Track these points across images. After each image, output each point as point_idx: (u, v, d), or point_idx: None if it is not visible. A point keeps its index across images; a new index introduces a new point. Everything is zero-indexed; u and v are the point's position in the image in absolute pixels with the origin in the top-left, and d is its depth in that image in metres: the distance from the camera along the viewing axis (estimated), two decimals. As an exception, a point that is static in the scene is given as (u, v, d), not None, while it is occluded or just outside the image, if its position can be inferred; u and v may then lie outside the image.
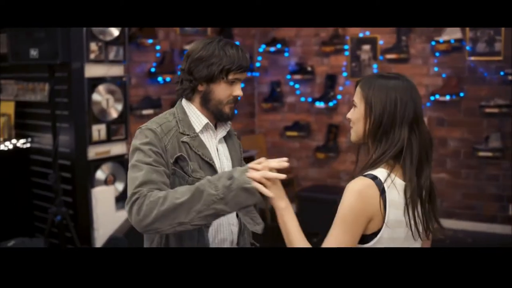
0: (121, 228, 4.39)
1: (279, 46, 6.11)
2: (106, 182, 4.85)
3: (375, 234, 1.65)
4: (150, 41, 5.06)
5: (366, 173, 1.67)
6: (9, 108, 4.99)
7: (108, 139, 4.83)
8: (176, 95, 2.00)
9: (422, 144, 1.70)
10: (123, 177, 4.98)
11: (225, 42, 1.90)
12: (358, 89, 1.77)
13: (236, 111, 2.03)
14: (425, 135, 1.72)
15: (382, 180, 1.64)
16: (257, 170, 1.70)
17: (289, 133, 6.21)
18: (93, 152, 4.72)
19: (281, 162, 1.71)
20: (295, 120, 6.20)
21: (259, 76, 6.41)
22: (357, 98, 1.76)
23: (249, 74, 6.19)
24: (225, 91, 1.91)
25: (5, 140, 4.82)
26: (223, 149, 2.04)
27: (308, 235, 5.00)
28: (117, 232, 4.32)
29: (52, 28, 3.75)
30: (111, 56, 4.76)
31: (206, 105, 1.93)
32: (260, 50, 6.30)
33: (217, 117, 1.97)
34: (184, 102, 1.98)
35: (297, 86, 6.19)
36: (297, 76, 6.07)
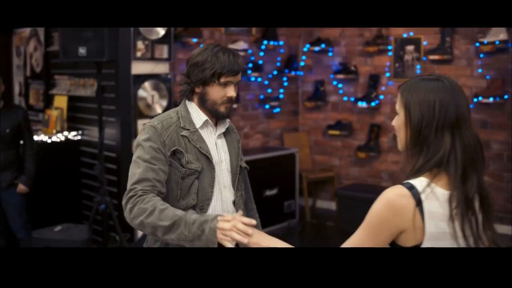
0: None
1: (323, 45, 6.18)
2: (149, 174, 5.07)
3: (417, 247, 1.58)
4: (195, 40, 5.24)
5: (404, 182, 1.60)
6: (62, 102, 5.31)
7: (153, 134, 5.05)
8: (179, 96, 2.16)
9: (468, 148, 1.58)
10: (166, 170, 5.19)
11: (218, 49, 2.08)
12: (399, 94, 1.70)
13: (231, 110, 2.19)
14: (471, 139, 1.60)
15: (420, 190, 1.55)
16: (228, 221, 1.84)
17: (331, 132, 6.28)
18: (138, 146, 4.95)
19: (250, 221, 1.83)
20: (337, 119, 6.26)
21: (303, 75, 6.50)
22: (398, 105, 1.69)
23: (293, 73, 6.29)
24: (219, 93, 2.08)
25: (57, 132, 5.13)
26: (222, 144, 2.19)
27: (346, 233, 5.14)
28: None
29: (100, 28, 3.99)
30: (157, 54, 4.98)
31: (203, 105, 2.11)
32: (305, 49, 6.39)
33: (214, 116, 2.11)
34: (186, 102, 2.16)
35: (340, 85, 6.24)
36: (341, 76, 6.12)
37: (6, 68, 6.37)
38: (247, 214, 2.35)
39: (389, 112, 5.91)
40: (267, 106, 6.13)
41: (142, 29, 4.80)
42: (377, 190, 5.88)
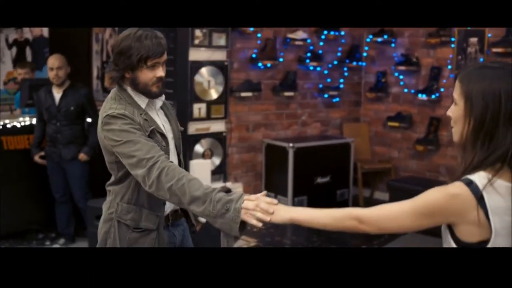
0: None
1: (386, 36, 6.16)
2: (203, 155, 5.37)
3: (484, 243, 1.50)
4: (252, 29, 5.44)
5: (463, 178, 1.53)
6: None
7: (208, 117, 5.33)
8: (110, 82, 2.31)
9: None
10: (220, 152, 5.46)
11: (140, 33, 2.17)
12: (457, 83, 1.59)
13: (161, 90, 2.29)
14: None
15: (480, 187, 1.48)
16: (252, 200, 1.93)
17: (390, 123, 6.25)
18: (193, 128, 5.26)
19: (272, 200, 1.93)
20: (398, 110, 6.22)
21: (366, 65, 6.51)
22: (457, 94, 1.58)
23: (354, 64, 6.33)
24: (148, 75, 2.19)
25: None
26: (162, 115, 2.36)
27: None
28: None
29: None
30: (215, 42, 5.24)
31: (136, 88, 2.23)
32: (368, 40, 6.40)
33: (148, 96, 2.26)
34: (118, 89, 2.27)
35: (401, 77, 6.19)
36: (402, 67, 6.08)
37: (87, 54, 6.92)
38: None
39: (450, 105, 5.76)
40: (325, 96, 6.22)
41: (200, 18, 5.06)
42: (430, 184, 5.84)
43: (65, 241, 4.91)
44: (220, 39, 5.24)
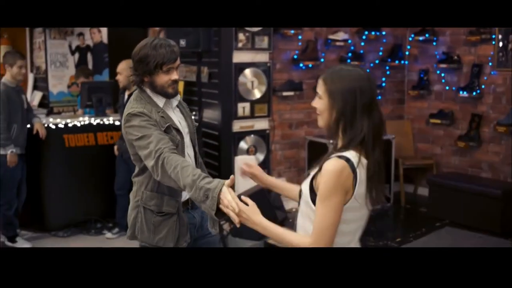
0: (247, 191, 5.17)
1: (427, 35, 6.27)
2: (248, 152, 5.67)
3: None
4: (292, 31, 5.70)
5: (340, 155, 1.91)
6: (179, 86, 6.11)
7: (252, 115, 5.64)
8: (132, 85, 2.71)
9: (377, 126, 1.92)
10: (264, 149, 5.76)
11: (156, 43, 2.51)
12: (321, 82, 1.99)
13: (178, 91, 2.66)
14: (379, 118, 1.94)
15: (355, 164, 1.89)
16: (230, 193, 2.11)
17: (432, 121, 6.35)
18: (237, 126, 5.57)
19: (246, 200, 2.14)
20: (440, 108, 6.32)
21: (409, 64, 6.63)
22: (321, 91, 1.98)
23: (397, 62, 6.46)
24: (164, 78, 2.54)
25: (173, 112, 5.93)
26: (178, 113, 2.70)
27: (434, 219, 5.49)
28: (243, 194, 5.11)
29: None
30: (258, 44, 5.54)
31: (154, 90, 2.57)
32: (410, 39, 6.52)
33: (164, 97, 2.60)
34: (139, 91, 2.62)
35: (443, 74, 6.28)
36: (444, 65, 6.17)
37: (144, 57, 7.37)
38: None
39: (492, 102, 5.85)
40: (367, 94, 6.38)
41: (243, 22, 5.38)
42: (470, 180, 5.95)
43: (119, 230, 5.34)
44: (262, 42, 5.53)
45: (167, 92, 2.59)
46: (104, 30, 7.18)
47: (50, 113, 6.43)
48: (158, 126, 2.50)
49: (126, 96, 5.13)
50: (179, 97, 2.72)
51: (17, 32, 7.12)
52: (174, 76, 2.56)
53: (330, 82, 1.96)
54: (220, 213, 2.16)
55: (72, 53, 7.07)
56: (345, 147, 1.94)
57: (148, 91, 2.61)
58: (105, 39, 7.22)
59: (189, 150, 2.68)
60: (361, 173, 1.92)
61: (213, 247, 2.79)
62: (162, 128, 2.52)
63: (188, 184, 2.22)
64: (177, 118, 2.67)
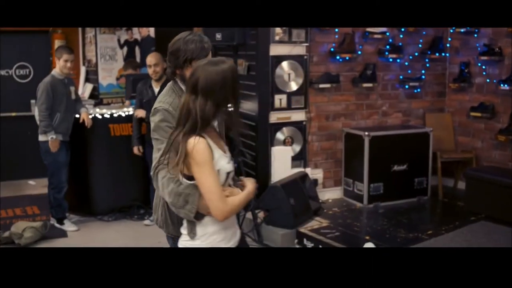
0: (281, 180, 5.32)
1: (468, 27, 6.21)
2: (284, 142, 5.81)
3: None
4: (329, 24, 5.79)
5: (196, 135, 2.29)
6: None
7: (288, 107, 5.77)
8: (167, 78, 2.77)
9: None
10: (300, 140, 5.88)
11: (188, 38, 2.61)
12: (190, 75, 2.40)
13: None
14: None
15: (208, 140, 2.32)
16: None
17: (473, 114, 6.29)
18: (274, 117, 5.72)
19: None
20: (481, 101, 6.25)
21: (450, 56, 6.58)
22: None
23: (437, 55, 6.43)
24: None
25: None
26: None
27: (470, 213, 5.56)
28: (277, 183, 5.26)
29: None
30: (295, 37, 5.66)
31: (185, 83, 2.62)
32: (451, 31, 6.47)
33: None
34: (172, 82, 2.72)
35: (484, 67, 6.21)
36: (485, 57, 6.10)
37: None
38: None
39: (533, 95, 5.75)
40: (406, 87, 6.40)
41: (280, 16, 5.51)
42: (508, 174, 5.87)
43: (157, 216, 5.60)
44: (299, 35, 5.65)
45: None
46: (152, 25, 7.47)
47: (99, 104, 6.78)
48: None
49: (155, 88, 5.36)
50: None
51: (70, 28, 7.49)
52: None
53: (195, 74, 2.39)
54: (199, 215, 2.35)
55: (121, 47, 7.40)
56: (201, 129, 2.36)
57: (180, 83, 2.72)
58: (152, 33, 7.51)
59: None
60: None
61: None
62: None
63: (168, 192, 2.42)
64: None
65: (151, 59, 5.41)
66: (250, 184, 2.47)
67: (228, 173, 2.41)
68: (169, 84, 2.79)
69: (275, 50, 5.59)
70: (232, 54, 5.16)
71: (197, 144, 2.27)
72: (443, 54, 6.50)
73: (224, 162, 2.40)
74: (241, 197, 2.39)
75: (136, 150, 5.58)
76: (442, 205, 6.02)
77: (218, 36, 4.90)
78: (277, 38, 5.57)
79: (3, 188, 6.89)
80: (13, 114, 7.41)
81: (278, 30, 5.55)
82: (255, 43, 5.51)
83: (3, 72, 7.47)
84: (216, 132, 2.49)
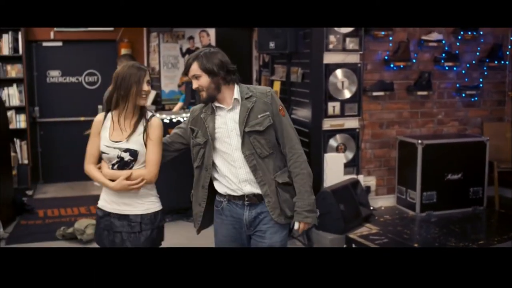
0: (332, 186, 5.41)
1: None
2: (337, 149, 5.89)
3: None
4: (383, 33, 5.82)
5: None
6: (277, 86, 6.47)
7: (342, 114, 5.85)
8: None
9: None
10: (353, 147, 5.95)
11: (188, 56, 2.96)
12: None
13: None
14: None
15: None
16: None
17: (533, 123, 6.16)
18: (328, 124, 5.81)
19: None
20: (542, 110, 6.11)
21: (510, 64, 6.46)
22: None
23: (495, 63, 6.33)
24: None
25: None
26: (233, 115, 2.98)
27: None
28: (328, 188, 5.35)
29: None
30: (349, 46, 5.74)
31: None
32: (511, 38, 6.36)
33: None
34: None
35: (545, 75, 6.08)
36: (546, 65, 5.97)
37: (248, 59, 7.85)
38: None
39: None
40: (463, 95, 6.33)
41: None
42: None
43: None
44: (352, 43, 5.73)
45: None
46: (212, 34, 7.75)
47: (161, 109, 7.10)
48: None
49: None
50: (238, 100, 2.99)
51: (135, 37, 7.89)
52: (194, 85, 2.91)
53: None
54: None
55: (183, 55, 7.72)
56: None
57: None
58: (213, 42, 7.78)
59: (235, 153, 3.00)
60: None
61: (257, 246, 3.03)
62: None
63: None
64: (224, 121, 3.02)
65: None
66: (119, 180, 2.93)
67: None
68: None
69: (329, 58, 5.70)
70: (286, 62, 5.31)
71: None
72: (502, 62, 6.39)
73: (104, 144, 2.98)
74: (97, 175, 2.99)
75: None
76: (498, 215, 5.92)
77: (272, 44, 5.07)
78: (331, 46, 5.67)
79: (71, 188, 7.34)
80: (82, 118, 7.86)
81: (332, 38, 5.65)
82: (309, 51, 5.63)
83: (73, 79, 7.96)
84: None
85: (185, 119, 6.09)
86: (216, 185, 3.05)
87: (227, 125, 2.96)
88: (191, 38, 7.70)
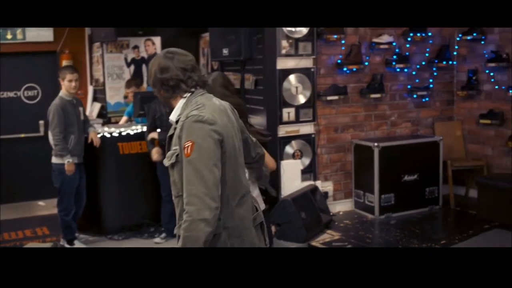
0: (292, 194, 5.29)
1: (475, 34, 6.19)
2: (294, 156, 5.79)
3: None
4: (335, 36, 5.77)
5: None
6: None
7: (297, 120, 5.75)
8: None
9: None
10: (310, 153, 5.86)
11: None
12: None
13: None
14: None
15: None
16: None
17: (482, 121, 6.25)
18: (283, 130, 5.70)
19: None
20: (490, 108, 6.21)
21: (457, 64, 6.55)
22: None
23: (444, 63, 6.40)
24: None
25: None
26: None
27: (483, 222, 5.63)
28: (288, 197, 5.23)
29: (239, 33, 4.83)
30: (301, 50, 5.65)
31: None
32: (458, 38, 6.45)
33: None
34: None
35: (492, 74, 6.18)
36: (493, 64, 6.07)
37: (196, 67, 7.64)
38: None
39: (543, 100, 5.71)
40: (415, 96, 6.37)
41: (286, 30, 5.51)
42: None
43: (166, 235, 5.55)
44: (305, 48, 5.65)
45: None
46: (158, 42, 7.51)
47: (107, 123, 6.80)
48: None
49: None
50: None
51: (77, 47, 7.54)
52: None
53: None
54: None
55: (128, 65, 7.43)
56: None
57: None
58: (159, 51, 7.54)
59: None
60: None
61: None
62: None
63: None
64: None
65: None
66: None
67: None
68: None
69: (282, 63, 5.59)
70: (240, 69, 5.16)
71: None
72: (450, 62, 6.47)
73: None
74: None
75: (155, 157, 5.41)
76: (454, 214, 5.97)
77: (225, 51, 4.92)
78: (283, 51, 5.57)
79: (13, 210, 6.91)
80: (22, 135, 7.44)
81: (284, 43, 5.55)
82: (262, 57, 5.51)
83: (11, 94, 7.52)
84: None
85: (135, 131, 5.85)
86: None
87: None
88: (136, 47, 7.43)
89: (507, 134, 6.06)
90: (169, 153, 2.38)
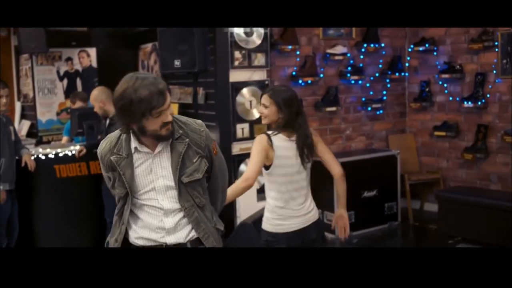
0: (252, 216, 4.92)
1: (427, 45, 6.10)
2: (249, 174, 5.41)
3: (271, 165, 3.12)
4: (290, 47, 5.49)
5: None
6: (174, 109, 5.87)
7: (252, 137, 5.39)
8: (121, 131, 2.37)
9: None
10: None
11: (137, 86, 2.17)
12: (267, 97, 3.10)
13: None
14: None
15: (270, 134, 3.10)
16: None
17: (437, 133, 6.15)
18: (237, 148, 5.33)
19: None
20: (444, 119, 6.12)
21: (409, 76, 6.44)
22: (268, 102, 3.09)
23: (397, 74, 6.27)
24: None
25: (169, 136, 5.68)
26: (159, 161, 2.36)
27: (446, 236, 5.43)
28: (248, 220, 4.85)
29: (192, 43, 4.43)
30: (254, 62, 5.32)
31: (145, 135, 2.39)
32: (409, 50, 6.34)
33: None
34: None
35: (445, 85, 6.10)
36: (446, 75, 5.99)
37: (135, 80, 7.13)
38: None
39: (498, 111, 5.66)
40: (369, 109, 6.19)
41: (238, 40, 5.17)
42: (480, 193, 5.69)
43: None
44: (259, 60, 5.32)
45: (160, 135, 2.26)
46: (93, 54, 6.96)
47: (39, 143, 6.16)
48: None
49: (107, 122, 4.88)
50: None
51: (3, 59, 6.87)
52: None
53: (276, 95, 3.10)
54: None
55: (61, 79, 6.83)
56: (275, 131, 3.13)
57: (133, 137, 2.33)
58: (94, 63, 6.99)
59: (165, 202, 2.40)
60: (278, 142, 3.11)
61: None
62: None
63: None
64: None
65: (98, 94, 4.90)
66: None
67: None
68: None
69: (235, 76, 5.23)
70: (192, 82, 4.76)
71: None
72: (402, 73, 6.35)
73: None
74: None
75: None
76: (414, 229, 5.81)
77: (177, 63, 4.50)
78: (236, 63, 5.21)
79: None
80: None
81: (237, 54, 5.20)
82: (214, 69, 5.12)
83: None
84: None
85: (73, 152, 5.29)
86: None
87: (152, 173, 2.33)
88: (69, 59, 6.83)
89: (462, 146, 5.98)
90: (196, 164, 2.36)
